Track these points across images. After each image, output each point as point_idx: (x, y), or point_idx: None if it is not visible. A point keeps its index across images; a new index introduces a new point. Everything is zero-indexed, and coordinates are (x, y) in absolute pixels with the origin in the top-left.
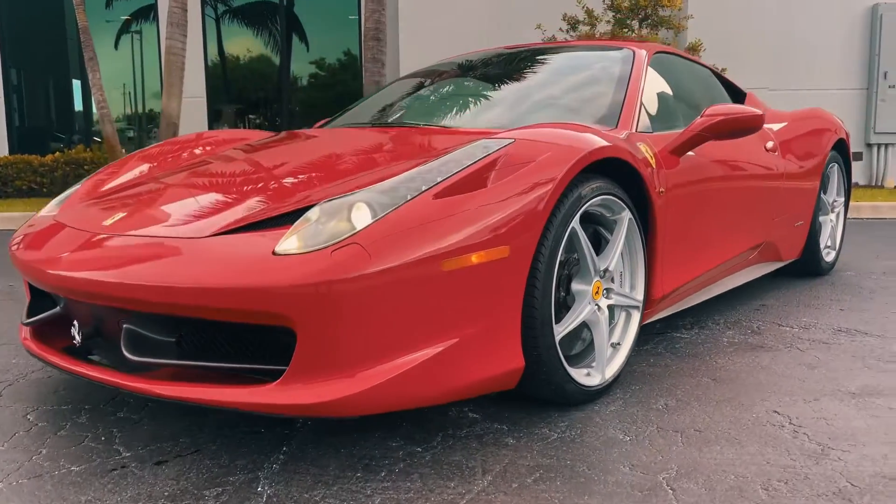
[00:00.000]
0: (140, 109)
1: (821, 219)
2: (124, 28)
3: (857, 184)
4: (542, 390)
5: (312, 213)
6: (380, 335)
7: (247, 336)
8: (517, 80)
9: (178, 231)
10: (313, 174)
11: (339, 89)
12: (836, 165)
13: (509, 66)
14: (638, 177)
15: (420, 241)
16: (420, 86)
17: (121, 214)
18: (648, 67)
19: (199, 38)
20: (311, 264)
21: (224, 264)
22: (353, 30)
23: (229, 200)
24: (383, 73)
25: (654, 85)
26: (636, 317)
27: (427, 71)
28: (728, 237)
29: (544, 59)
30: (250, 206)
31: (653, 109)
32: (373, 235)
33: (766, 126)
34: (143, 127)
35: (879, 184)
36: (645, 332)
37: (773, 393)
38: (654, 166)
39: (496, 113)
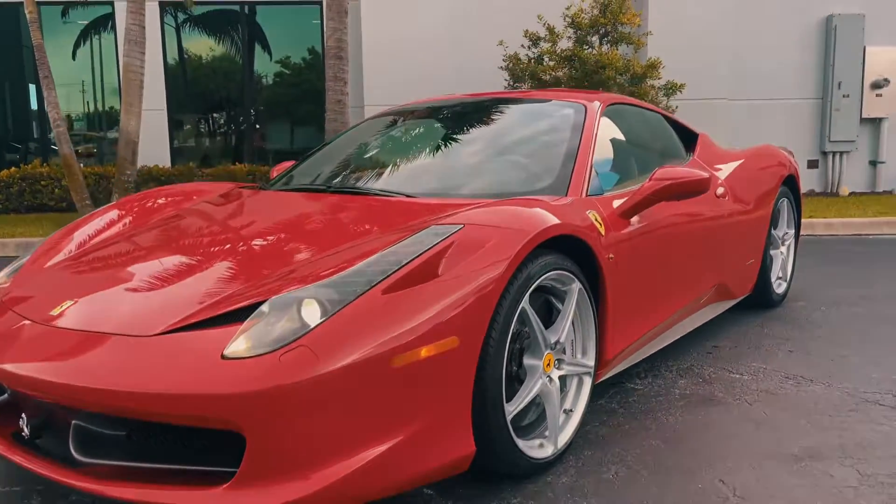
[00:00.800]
0: (99, 108)
1: (771, 252)
2: (83, 34)
3: (812, 191)
4: (494, 467)
5: (263, 309)
6: (330, 436)
7: (197, 435)
8: (470, 139)
9: (127, 326)
10: (266, 257)
11: (304, 87)
12: (786, 200)
13: (462, 121)
14: (587, 247)
15: (369, 339)
16: (378, 139)
17: (68, 303)
18: (601, 121)
19: (158, 49)
20: (258, 369)
21: (172, 369)
22: (315, 34)
23: (180, 288)
24: (346, 91)
25: (606, 140)
26: (588, 382)
27: (387, 117)
28: (680, 288)
29: (499, 114)
30: (201, 297)
31: (605, 165)
32: (321, 336)
33: (716, 166)
34: (102, 128)
35: (834, 191)
36: (600, 384)
37: (719, 457)
38: (602, 233)
39: (447, 177)
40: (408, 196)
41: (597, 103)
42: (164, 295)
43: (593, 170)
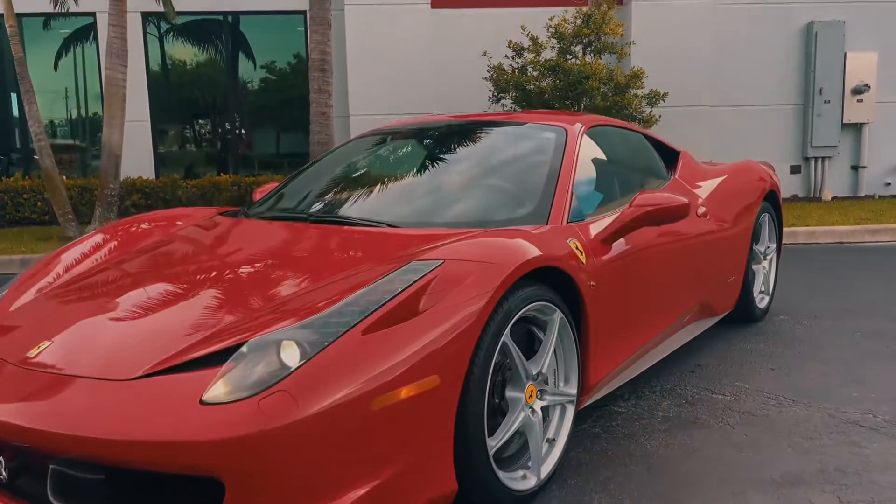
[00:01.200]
0: (83, 114)
1: (753, 267)
2: (67, 43)
3: (795, 196)
4: (477, 502)
5: (242, 350)
6: (309, 480)
7: (176, 481)
8: (452, 165)
9: (104, 369)
10: (247, 294)
11: (289, 95)
12: (768, 215)
13: (444, 146)
14: (568, 276)
15: (349, 381)
16: (360, 163)
17: (45, 343)
18: (583, 144)
19: (141, 59)
20: (237, 415)
21: (149, 415)
22: (300, 41)
23: (159, 327)
24: (330, 103)
25: (587, 163)
26: (571, 410)
27: (369, 140)
28: (663, 309)
29: (481, 138)
30: (181, 337)
31: (586, 188)
32: (301, 380)
33: (697, 184)
34: (86, 137)
35: (817, 196)
36: (584, 407)
37: (702, 485)
38: (583, 261)
39: (429, 206)
40: (390, 226)
41: (578, 125)
42: (143, 335)
43: (574, 195)
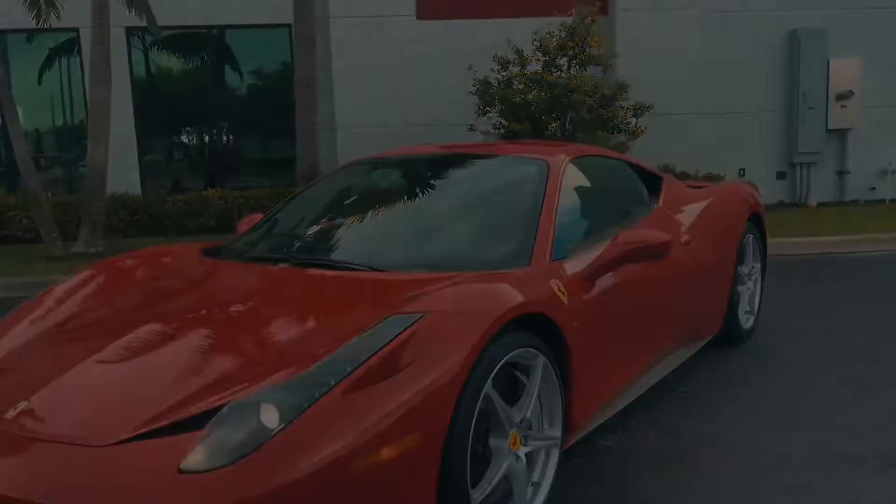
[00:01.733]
0: (69, 123)
1: (738, 289)
2: (50, 57)
3: (782, 202)
4: None
5: (221, 414)
6: None
7: None
8: (435, 203)
9: (82, 434)
10: (228, 350)
11: (276, 107)
12: (752, 236)
13: (427, 181)
14: (551, 319)
15: (328, 445)
16: (344, 199)
17: (24, 404)
18: (566, 176)
19: (125, 74)
20: (216, 485)
21: (127, 485)
22: (287, 49)
23: (136, 387)
24: (316, 119)
25: (570, 196)
26: (556, 452)
27: (353, 174)
28: (648, 341)
29: (465, 172)
30: (158, 399)
31: (569, 222)
32: (280, 447)
33: (681, 209)
34: (72, 149)
35: (803, 201)
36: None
37: None
38: (566, 301)
39: (412, 246)
40: (373, 269)
41: (561, 158)
42: (121, 395)
43: (557, 230)
